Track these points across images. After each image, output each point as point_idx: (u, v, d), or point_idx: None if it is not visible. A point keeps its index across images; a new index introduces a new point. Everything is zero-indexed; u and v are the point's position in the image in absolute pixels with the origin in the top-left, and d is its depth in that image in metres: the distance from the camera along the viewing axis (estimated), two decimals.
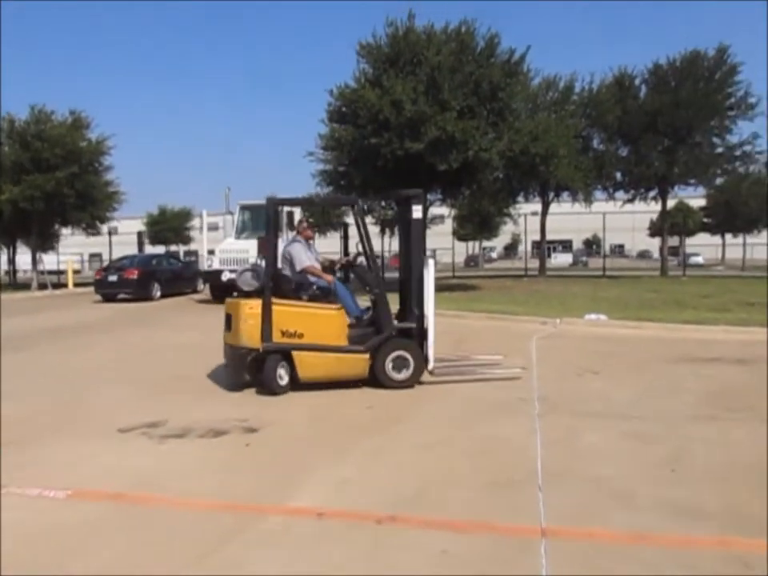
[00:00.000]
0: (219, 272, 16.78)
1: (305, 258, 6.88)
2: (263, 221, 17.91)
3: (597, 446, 4.57)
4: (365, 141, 15.74)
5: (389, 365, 6.38)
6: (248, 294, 6.42)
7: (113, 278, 18.97)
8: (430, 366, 6.48)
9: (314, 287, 6.70)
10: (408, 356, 6.40)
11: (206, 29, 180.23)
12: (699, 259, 44.01)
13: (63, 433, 5.11)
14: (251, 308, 6.24)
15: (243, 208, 17.86)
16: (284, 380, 6.27)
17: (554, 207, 28.29)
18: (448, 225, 36.55)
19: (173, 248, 52.29)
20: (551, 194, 26.79)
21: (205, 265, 17.41)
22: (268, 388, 6.22)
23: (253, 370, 6.36)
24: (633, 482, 3.92)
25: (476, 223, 46.39)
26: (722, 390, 6.14)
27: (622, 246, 65.19)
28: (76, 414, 5.74)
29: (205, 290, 19.33)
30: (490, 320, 11.69)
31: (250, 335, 6.24)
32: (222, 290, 17.35)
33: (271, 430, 5.08)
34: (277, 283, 6.40)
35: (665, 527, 3.27)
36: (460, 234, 44.86)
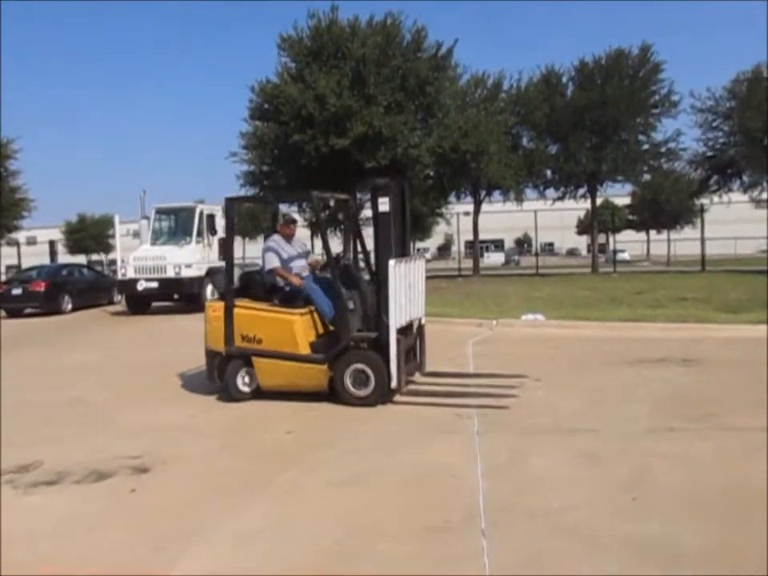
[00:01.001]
0: (135, 281, 15.58)
1: (273, 259, 6.23)
2: (181, 225, 17.19)
3: (546, 471, 3.94)
4: (288, 138, 14.91)
5: (348, 379, 5.60)
6: (222, 297, 6.25)
7: (17, 291, 17.33)
8: (393, 383, 5.50)
9: (286, 289, 6.09)
10: (368, 370, 5.56)
11: (116, 20, 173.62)
12: (625, 255, 45.02)
13: None
14: (214, 311, 6.12)
15: (159, 212, 16.66)
16: (248, 386, 6.00)
17: (485, 206, 28.11)
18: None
19: (94, 257, 49.86)
20: (483, 193, 26.54)
21: (119, 274, 16.11)
22: (228, 394, 6.02)
23: (221, 374, 6.14)
24: (591, 515, 3.30)
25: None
26: (675, 396, 5.65)
27: (551, 245, 66.32)
28: None
29: (122, 302, 18.01)
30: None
31: (214, 338, 6.11)
32: (139, 301, 16.21)
33: (166, 469, 4.23)
34: (247, 285, 6.22)
35: (633, 571, 2.69)
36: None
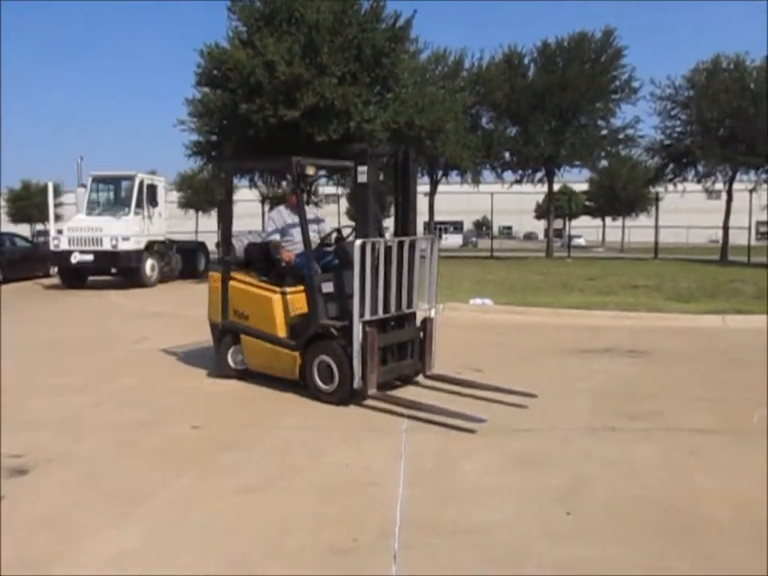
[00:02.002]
0: (68, 253, 14.71)
1: (269, 230, 5.78)
2: (119, 195, 16.31)
3: (474, 478, 3.53)
4: (236, 107, 14.16)
5: (315, 371, 4.97)
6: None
7: None
8: (355, 382, 4.70)
9: (282, 264, 5.53)
10: (332, 364, 4.87)
11: None
12: (581, 241, 45.40)
13: None
14: (215, 281, 5.80)
15: (96, 180, 15.75)
16: (238, 365, 5.66)
17: (443, 187, 27.71)
18: (343, 204, 35.26)
19: (39, 226, 47.84)
20: (439, 173, 26.08)
21: (51, 245, 15.19)
22: (217, 369, 5.83)
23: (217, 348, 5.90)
24: (521, 533, 2.91)
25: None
26: (619, 390, 5.32)
27: (510, 228, 66.56)
28: None
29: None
30: None
31: (214, 310, 5.83)
32: (73, 274, 15.34)
33: (48, 472, 3.68)
34: (251, 257, 5.76)
35: None
36: (351, 215, 43.71)
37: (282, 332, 5.22)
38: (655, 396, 5.12)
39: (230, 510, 3.17)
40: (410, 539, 2.84)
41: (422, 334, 5.30)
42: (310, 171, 5.42)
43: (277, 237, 5.64)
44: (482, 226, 65.06)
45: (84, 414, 4.77)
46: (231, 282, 5.59)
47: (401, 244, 5.00)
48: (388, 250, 4.92)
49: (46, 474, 3.64)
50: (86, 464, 3.80)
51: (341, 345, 4.83)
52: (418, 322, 5.34)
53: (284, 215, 5.79)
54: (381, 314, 4.82)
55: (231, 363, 5.69)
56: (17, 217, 45.46)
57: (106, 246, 14.54)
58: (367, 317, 4.68)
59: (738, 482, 3.42)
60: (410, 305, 5.16)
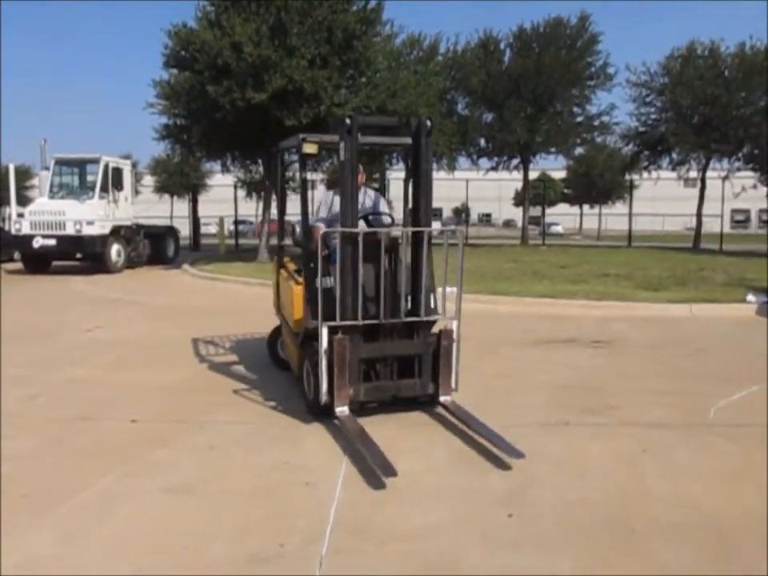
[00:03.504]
0: (31, 237, 14.32)
1: (317, 215, 5.02)
2: (83, 178, 15.90)
3: (413, 477, 3.36)
4: (203, 89, 13.78)
5: (304, 374, 4.44)
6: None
7: None
8: (321, 396, 3.99)
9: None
10: (311, 370, 4.28)
11: None
12: (559, 228, 45.44)
13: None
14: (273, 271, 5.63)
15: (60, 163, 15.34)
16: (284, 356, 5.42)
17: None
18: (320, 190, 34.89)
19: (6, 210, 46.81)
20: None
21: (12, 229, 14.77)
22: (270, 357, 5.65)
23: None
24: (455, 538, 2.75)
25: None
26: (578, 383, 5.19)
27: (489, 215, 66.55)
28: None
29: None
30: None
31: (274, 300, 5.61)
32: (36, 259, 14.95)
33: None
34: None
35: None
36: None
37: (295, 326, 4.75)
38: (614, 389, 4.99)
39: (151, 512, 2.98)
40: (337, 546, 2.67)
41: (435, 349, 4.22)
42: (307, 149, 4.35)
43: (321, 225, 4.69)
44: (461, 213, 64.96)
45: (15, 409, 4.52)
46: (281, 271, 5.24)
47: (395, 237, 4.20)
48: (377, 243, 4.06)
49: None
50: (5, 464, 3.57)
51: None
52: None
53: (332, 198, 4.94)
54: (360, 320, 4.02)
55: (280, 353, 5.53)
56: None
57: (70, 230, 14.19)
58: (337, 321, 4.01)
59: (689, 483, 3.30)
60: (415, 311, 4.22)
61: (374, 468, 3.35)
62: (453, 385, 4.26)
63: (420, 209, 4.24)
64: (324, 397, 3.99)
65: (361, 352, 4.08)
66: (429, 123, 4.18)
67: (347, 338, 3.98)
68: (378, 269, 4.11)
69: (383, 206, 5.03)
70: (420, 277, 4.21)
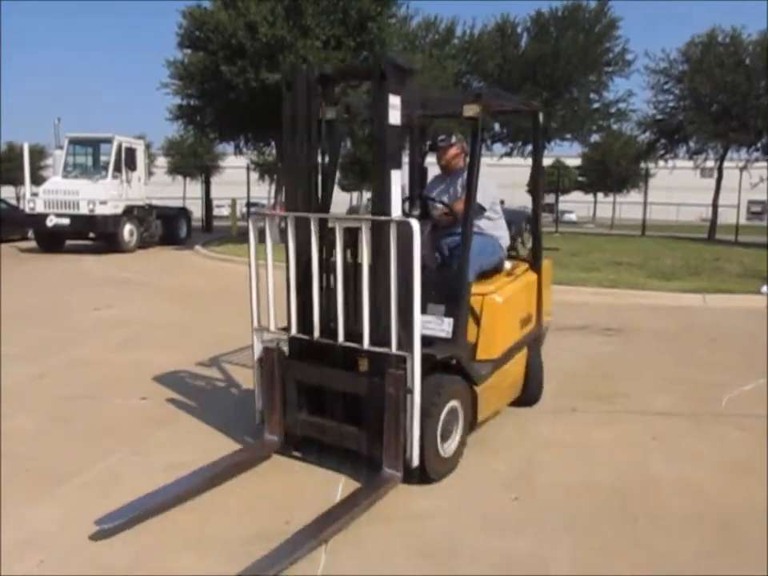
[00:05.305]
0: (44, 216, 14.38)
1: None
2: (97, 158, 15.92)
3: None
4: (217, 70, 13.73)
5: None
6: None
7: None
8: (257, 415, 3.43)
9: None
10: None
11: None
12: (572, 216, 45.11)
13: None
14: None
15: (73, 142, 15.35)
16: None
17: (432, 158, 27.22)
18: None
19: (20, 189, 47.11)
20: (428, 144, 25.58)
21: (26, 208, 14.84)
22: None
23: None
24: (455, 522, 2.73)
25: (357, 173, 44.71)
26: (588, 370, 5.15)
27: (503, 202, 65.97)
28: None
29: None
30: None
31: None
32: (50, 238, 15.01)
33: None
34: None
35: None
36: (343, 185, 43.18)
37: None
38: (623, 377, 4.96)
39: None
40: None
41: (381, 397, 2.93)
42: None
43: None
44: None
45: (22, 387, 4.54)
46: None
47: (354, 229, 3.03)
48: (330, 240, 3.10)
49: None
50: (11, 441, 3.58)
51: None
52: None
53: (433, 183, 4.31)
54: (291, 331, 3.24)
55: None
56: (2, 179, 44.65)
57: (83, 209, 14.22)
58: (272, 329, 3.31)
59: (697, 472, 3.26)
60: (373, 338, 2.93)
61: None
62: (409, 455, 2.91)
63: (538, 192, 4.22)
64: (258, 415, 3.40)
65: (296, 373, 3.26)
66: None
67: (276, 351, 3.29)
68: (328, 269, 3.16)
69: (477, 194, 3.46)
70: (377, 290, 2.93)
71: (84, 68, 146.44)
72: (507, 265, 4.04)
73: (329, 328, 3.11)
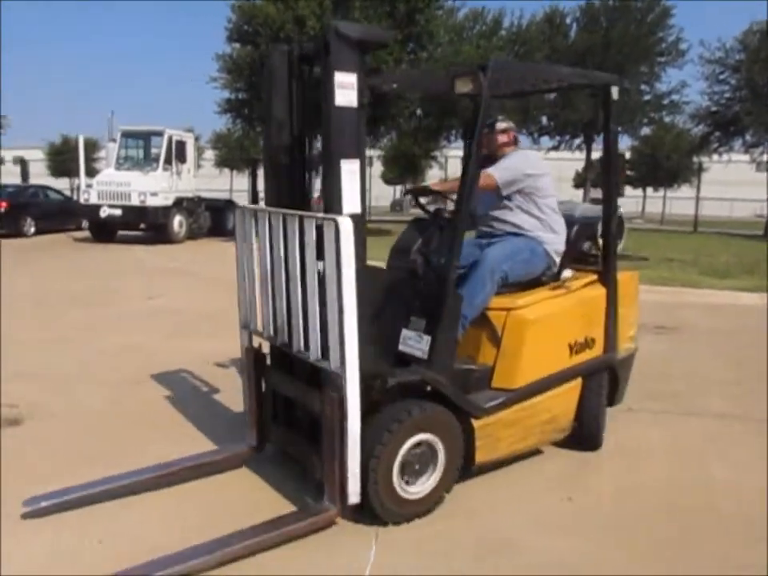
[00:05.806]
0: (98, 207, 14.78)
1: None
2: (148, 151, 16.26)
3: None
4: (263, 63, 13.84)
5: None
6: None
7: None
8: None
9: None
10: None
11: None
12: (620, 211, 44.14)
13: None
14: None
15: (125, 135, 15.71)
16: None
17: None
18: (377, 167, 34.91)
19: (75, 181, 48.47)
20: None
21: (81, 198, 15.28)
22: None
23: None
24: (513, 522, 2.71)
25: (402, 166, 44.66)
26: (642, 369, 5.00)
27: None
28: None
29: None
30: None
31: None
32: (102, 228, 15.43)
33: (33, 426, 3.61)
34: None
35: None
36: (387, 178, 43.21)
37: None
38: (677, 376, 4.86)
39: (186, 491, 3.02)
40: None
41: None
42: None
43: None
44: None
45: (80, 370, 4.69)
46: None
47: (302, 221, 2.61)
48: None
49: (31, 429, 3.57)
50: (67, 421, 3.70)
51: None
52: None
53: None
54: (270, 332, 2.95)
55: None
56: (57, 171, 46.06)
57: (134, 201, 14.56)
58: (258, 325, 3.08)
59: (751, 476, 3.17)
60: (324, 351, 2.61)
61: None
62: (349, 492, 2.54)
63: (613, 180, 3.52)
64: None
65: (273, 379, 3.08)
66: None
67: (254, 352, 3.12)
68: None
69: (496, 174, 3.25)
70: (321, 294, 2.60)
71: (136, 62, 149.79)
72: (567, 273, 3.38)
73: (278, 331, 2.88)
